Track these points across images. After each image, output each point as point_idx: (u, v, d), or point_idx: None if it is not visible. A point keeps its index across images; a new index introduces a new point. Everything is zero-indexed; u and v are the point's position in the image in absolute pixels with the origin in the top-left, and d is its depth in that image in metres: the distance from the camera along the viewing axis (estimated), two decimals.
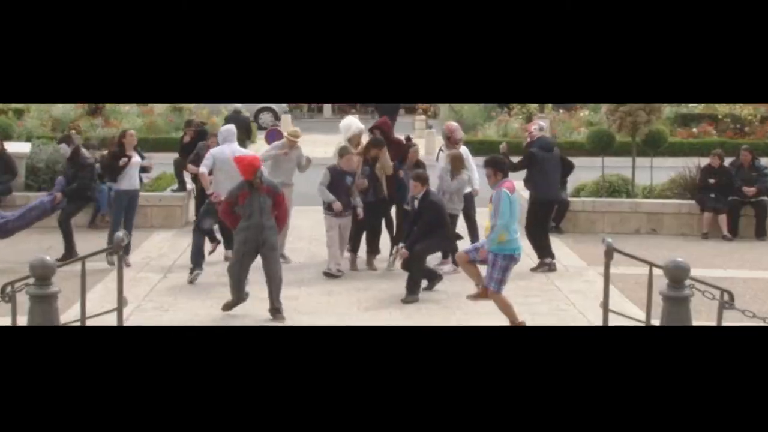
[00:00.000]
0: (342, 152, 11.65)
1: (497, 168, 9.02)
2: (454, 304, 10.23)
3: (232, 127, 12.02)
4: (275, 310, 9.50)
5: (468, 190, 12.04)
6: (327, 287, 10.97)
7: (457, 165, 11.66)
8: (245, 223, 9.50)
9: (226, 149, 11.34)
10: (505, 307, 9.02)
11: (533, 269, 11.90)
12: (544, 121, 20.04)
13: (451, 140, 12.31)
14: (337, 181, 11.40)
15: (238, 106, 22.19)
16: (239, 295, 9.61)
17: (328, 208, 11.48)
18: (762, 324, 7.53)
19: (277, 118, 32.23)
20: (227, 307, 9.65)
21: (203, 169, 11.50)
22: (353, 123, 12.46)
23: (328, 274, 11.37)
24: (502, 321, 9.38)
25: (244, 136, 16.48)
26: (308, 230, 13.95)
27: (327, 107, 38.14)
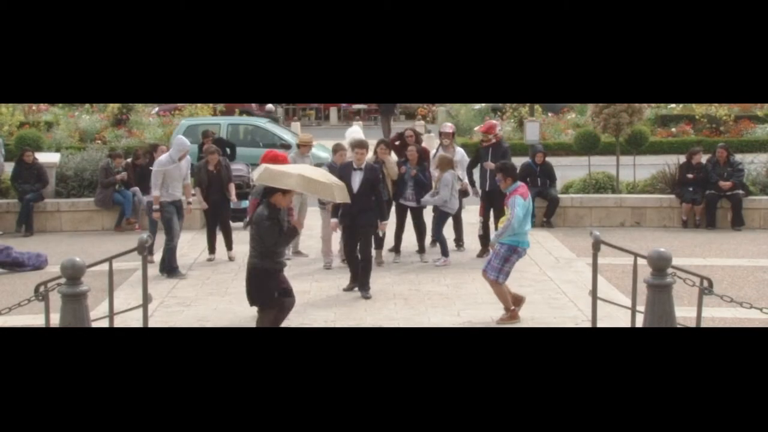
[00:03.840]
0: (335, 149, 11.87)
1: (506, 173, 9.13)
2: (454, 294, 10.26)
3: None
4: None
5: (458, 186, 12.29)
6: (337, 281, 10.96)
7: (443, 165, 12.08)
8: None
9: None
10: (500, 295, 9.09)
11: (479, 255, 12.30)
12: (535, 123, 20.00)
13: (442, 134, 13.06)
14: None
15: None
16: None
17: (322, 203, 11.71)
18: (739, 308, 7.55)
19: None
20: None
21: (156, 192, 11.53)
22: (353, 132, 13.04)
23: (327, 268, 11.62)
24: (500, 309, 9.38)
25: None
26: (320, 229, 13.94)
27: (333, 115, 38.02)
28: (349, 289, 10.48)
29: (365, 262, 10.33)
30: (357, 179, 10.26)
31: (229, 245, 12.50)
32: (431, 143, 23.77)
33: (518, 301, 9.26)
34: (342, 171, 10.35)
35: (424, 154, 12.39)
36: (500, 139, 12.48)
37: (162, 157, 11.73)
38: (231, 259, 12.34)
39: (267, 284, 7.83)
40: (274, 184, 7.74)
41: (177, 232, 11.58)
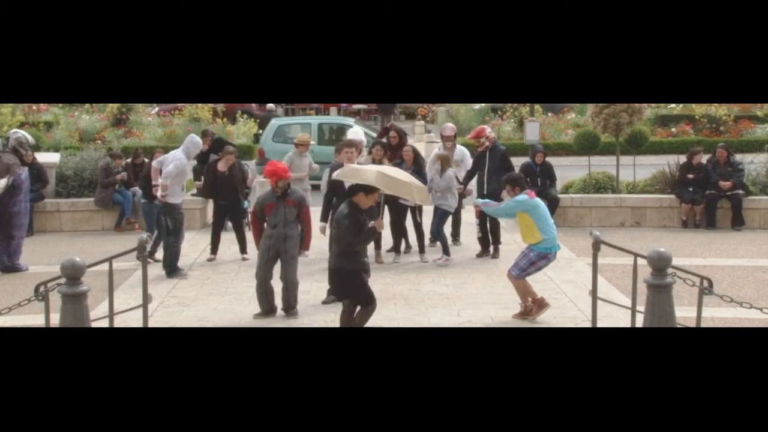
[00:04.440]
0: (338, 149, 11.91)
1: (514, 185, 9.36)
2: (454, 294, 10.27)
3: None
4: (290, 307, 9.51)
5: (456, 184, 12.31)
6: None
7: (444, 164, 12.12)
8: (269, 232, 9.43)
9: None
10: (520, 290, 9.21)
11: (478, 255, 12.35)
12: (534, 123, 20.02)
13: (443, 137, 13.11)
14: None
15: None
16: (265, 301, 9.55)
17: None
18: (739, 308, 7.55)
19: None
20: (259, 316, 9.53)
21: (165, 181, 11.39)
22: (354, 133, 12.92)
23: None
24: (499, 309, 9.37)
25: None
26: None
27: (333, 114, 37.96)
28: (328, 301, 9.90)
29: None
30: None
31: (243, 249, 12.50)
32: (432, 145, 23.84)
33: (541, 305, 9.24)
34: (334, 170, 10.37)
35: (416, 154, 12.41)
36: (494, 142, 12.43)
37: (179, 155, 11.55)
38: (244, 259, 12.33)
39: (354, 281, 7.93)
40: (354, 179, 7.83)
41: (183, 233, 11.62)
